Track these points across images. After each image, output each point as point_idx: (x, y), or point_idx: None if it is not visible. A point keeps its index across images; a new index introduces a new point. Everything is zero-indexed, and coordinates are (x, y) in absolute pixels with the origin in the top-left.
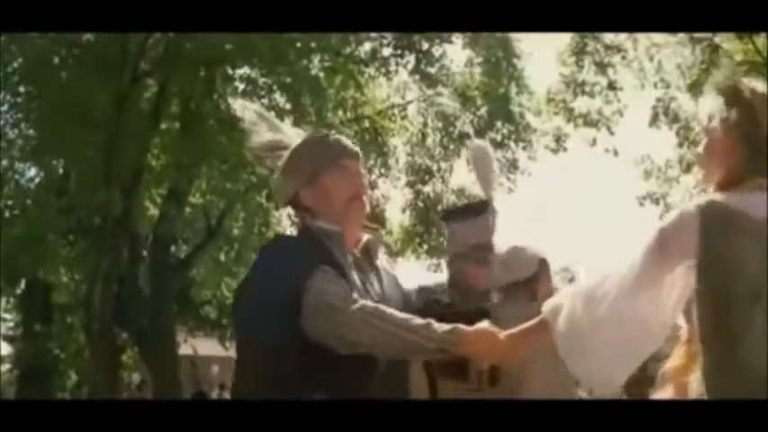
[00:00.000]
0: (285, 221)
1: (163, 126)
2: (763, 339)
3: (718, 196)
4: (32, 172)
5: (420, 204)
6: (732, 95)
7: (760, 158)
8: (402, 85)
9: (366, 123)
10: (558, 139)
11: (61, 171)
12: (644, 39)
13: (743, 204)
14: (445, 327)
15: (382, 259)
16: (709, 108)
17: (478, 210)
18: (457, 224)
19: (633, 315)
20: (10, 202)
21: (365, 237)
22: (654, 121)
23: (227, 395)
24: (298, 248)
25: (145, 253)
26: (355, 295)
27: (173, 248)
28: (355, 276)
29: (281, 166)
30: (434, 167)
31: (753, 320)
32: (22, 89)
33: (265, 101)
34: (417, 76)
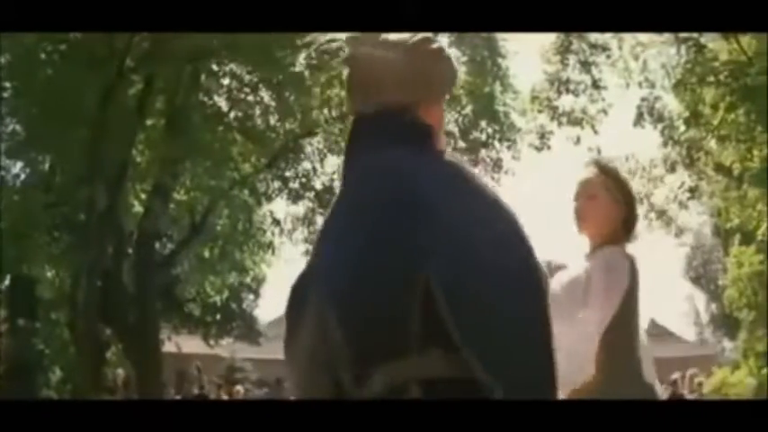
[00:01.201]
0: (268, 219)
1: (148, 122)
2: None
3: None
4: (18, 168)
5: None
6: (617, 176)
7: (629, 228)
8: None
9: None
10: (542, 136)
11: (47, 167)
12: (629, 38)
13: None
14: None
15: None
16: (588, 176)
17: None
18: None
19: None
20: None
21: None
22: (638, 120)
23: (224, 395)
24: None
25: (130, 249)
26: None
27: (157, 245)
28: None
29: (412, 66)
30: None
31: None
32: (8, 85)
33: (251, 97)
34: None
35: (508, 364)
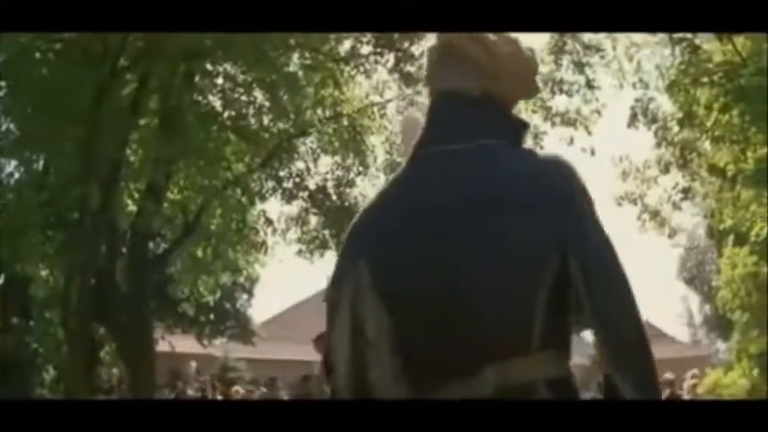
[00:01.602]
0: (262, 219)
1: (142, 121)
2: None
3: None
4: (12, 166)
5: None
6: None
7: None
8: (381, 83)
9: (345, 122)
10: (536, 137)
11: (41, 165)
12: (623, 38)
13: None
14: None
15: None
16: None
17: None
18: None
19: None
20: None
21: None
22: (632, 121)
23: (218, 395)
24: None
25: (123, 249)
26: None
27: (150, 244)
28: None
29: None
30: None
31: None
32: (2, 83)
33: (245, 97)
34: (397, 75)
35: (635, 360)
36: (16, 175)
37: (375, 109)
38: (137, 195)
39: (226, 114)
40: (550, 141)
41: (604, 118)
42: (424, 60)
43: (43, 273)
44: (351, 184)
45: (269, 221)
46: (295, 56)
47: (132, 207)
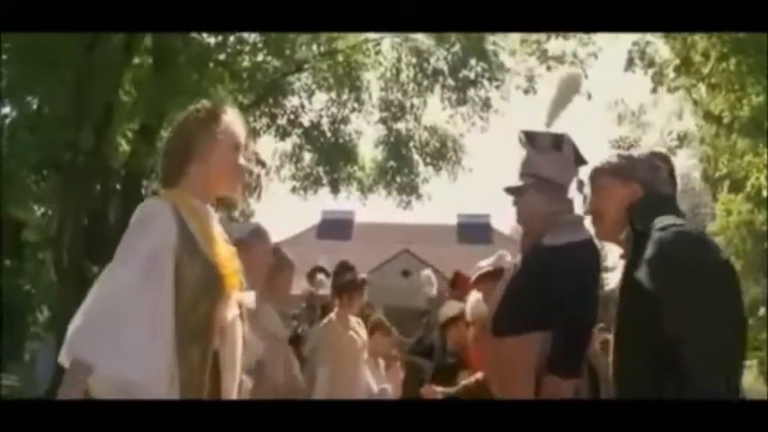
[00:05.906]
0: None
1: (136, 61)
2: None
3: None
4: (6, 109)
5: (392, 141)
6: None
7: None
8: None
9: (340, 57)
10: (530, 79)
11: (35, 107)
12: None
13: None
14: None
15: (354, 195)
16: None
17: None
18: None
19: None
20: None
21: None
22: (629, 65)
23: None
24: None
25: (118, 185)
26: None
27: (144, 183)
28: None
29: None
30: (407, 104)
31: None
32: None
33: (238, 35)
34: None
35: None
36: (10, 118)
37: (370, 45)
38: (130, 135)
39: (219, 52)
40: (546, 84)
41: (600, 61)
42: None
43: (37, 214)
44: (345, 120)
45: (262, 163)
46: None
47: (126, 147)
